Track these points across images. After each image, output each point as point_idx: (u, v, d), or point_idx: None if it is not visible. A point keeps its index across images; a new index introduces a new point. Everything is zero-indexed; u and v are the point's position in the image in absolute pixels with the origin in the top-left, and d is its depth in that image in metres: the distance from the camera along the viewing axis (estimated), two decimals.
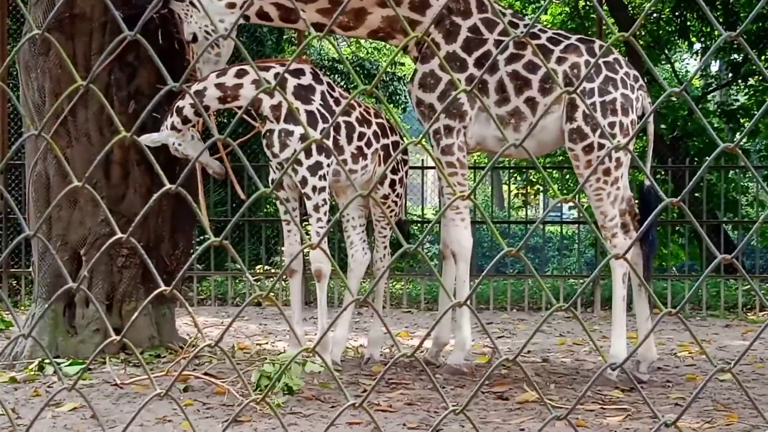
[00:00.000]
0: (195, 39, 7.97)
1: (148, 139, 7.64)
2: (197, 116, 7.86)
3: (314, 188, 7.88)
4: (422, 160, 15.98)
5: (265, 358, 7.86)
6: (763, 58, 18.19)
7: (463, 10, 8.10)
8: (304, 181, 7.88)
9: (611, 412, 6.79)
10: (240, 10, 7.91)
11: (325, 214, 7.91)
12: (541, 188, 21.38)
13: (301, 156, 7.84)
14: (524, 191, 21.09)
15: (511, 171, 17.91)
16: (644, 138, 9.09)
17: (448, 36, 8.04)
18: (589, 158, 7.87)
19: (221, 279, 14.61)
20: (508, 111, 7.92)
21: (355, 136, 8.20)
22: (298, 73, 8.09)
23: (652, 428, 6.25)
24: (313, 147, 7.80)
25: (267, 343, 9.79)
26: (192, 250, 9.30)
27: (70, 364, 7.93)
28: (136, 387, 7.25)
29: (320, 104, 8.03)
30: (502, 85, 7.94)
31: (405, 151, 8.78)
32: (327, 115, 8.00)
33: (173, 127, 7.83)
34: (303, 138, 7.84)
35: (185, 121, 7.85)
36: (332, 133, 8.06)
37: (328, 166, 7.92)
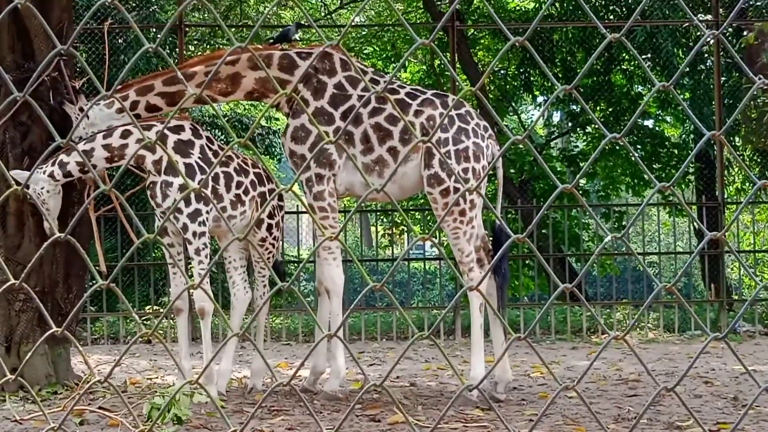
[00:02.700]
0: (81, 139, 7.92)
1: (19, 175, 7.61)
2: (82, 173, 7.82)
3: (194, 233, 7.85)
4: (297, 205, 15.95)
5: (156, 392, 7.75)
6: (598, 108, 18.62)
7: (329, 69, 8.18)
8: (185, 228, 7.85)
9: (473, 429, 6.82)
10: (128, 111, 7.96)
11: (206, 256, 7.87)
12: (406, 228, 21.51)
13: (181, 204, 7.81)
14: (390, 231, 21.18)
15: (378, 213, 17.98)
16: (495, 181, 9.24)
17: (316, 93, 8.10)
18: (446, 201, 7.96)
19: (113, 319, 14.37)
20: (373, 159, 8.00)
21: (233, 184, 8.19)
22: (178, 130, 8.07)
23: None
24: (192, 196, 7.77)
25: (157, 378, 9.65)
26: (85, 294, 9.14)
27: None
28: (34, 422, 7.08)
29: (199, 157, 8.01)
30: (367, 135, 8.02)
31: (281, 198, 8.78)
32: (205, 166, 7.98)
33: (51, 176, 7.78)
34: (182, 188, 7.81)
35: (67, 175, 7.82)
36: (211, 182, 8.05)
37: (207, 212, 7.90)
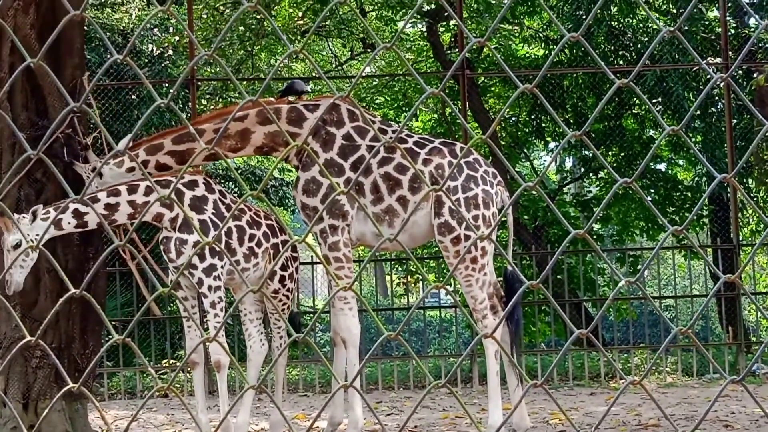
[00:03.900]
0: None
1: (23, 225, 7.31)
2: (99, 226, 7.79)
3: (210, 287, 7.88)
4: (311, 256, 15.98)
5: None
6: (610, 153, 18.63)
7: (337, 121, 8.23)
8: (200, 282, 7.88)
9: None
10: (139, 171, 7.96)
11: (221, 309, 7.89)
12: (420, 277, 21.50)
13: (196, 260, 7.84)
14: (405, 280, 21.19)
15: (393, 262, 17.99)
16: (506, 227, 9.27)
17: (325, 144, 8.15)
18: (458, 249, 7.97)
19: (130, 374, 14.36)
20: (383, 209, 8.03)
21: (246, 237, 8.22)
22: (192, 185, 8.11)
23: None
24: (207, 250, 7.81)
25: None
26: (102, 349, 9.14)
27: None
28: None
29: (212, 212, 8.06)
30: (376, 185, 8.06)
31: (294, 249, 8.79)
32: (218, 222, 8.03)
33: (57, 224, 7.53)
34: (196, 245, 7.85)
35: (81, 226, 7.69)
36: (224, 237, 8.08)
37: (222, 267, 7.93)
